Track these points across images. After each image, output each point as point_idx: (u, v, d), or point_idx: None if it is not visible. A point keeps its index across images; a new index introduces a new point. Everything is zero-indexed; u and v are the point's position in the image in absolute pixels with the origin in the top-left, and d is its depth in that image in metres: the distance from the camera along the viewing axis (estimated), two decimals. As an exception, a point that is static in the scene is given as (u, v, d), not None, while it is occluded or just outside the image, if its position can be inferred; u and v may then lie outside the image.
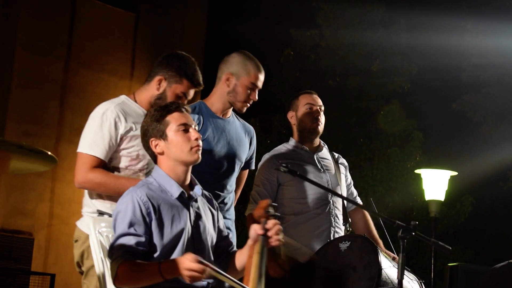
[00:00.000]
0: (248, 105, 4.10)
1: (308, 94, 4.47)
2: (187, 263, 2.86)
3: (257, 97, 4.08)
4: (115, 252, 3.03)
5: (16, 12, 11.29)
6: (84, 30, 11.90)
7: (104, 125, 3.48)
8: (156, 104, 3.54)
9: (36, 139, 10.87)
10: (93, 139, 3.48)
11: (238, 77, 4.02)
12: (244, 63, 4.03)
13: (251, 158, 4.25)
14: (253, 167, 4.31)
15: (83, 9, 11.94)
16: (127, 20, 12.47)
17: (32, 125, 11.21)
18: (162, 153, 3.22)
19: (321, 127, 4.44)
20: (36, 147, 2.57)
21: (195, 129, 3.25)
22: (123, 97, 3.63)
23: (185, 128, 3.22)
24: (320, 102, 4.46)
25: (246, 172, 4.31)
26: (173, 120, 3.22)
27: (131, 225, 3.06)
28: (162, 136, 3.21)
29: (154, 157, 3.27)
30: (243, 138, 4.13)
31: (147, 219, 3.09)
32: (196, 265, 2.84)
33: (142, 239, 3.05)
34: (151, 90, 3.65)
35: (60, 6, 11.71)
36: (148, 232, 3.09)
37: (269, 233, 3.16)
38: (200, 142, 3.23)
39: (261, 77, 4.09)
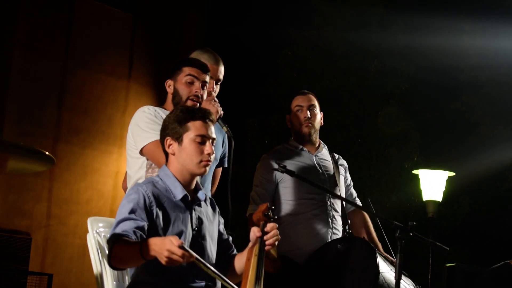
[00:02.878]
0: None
1: (299, 95, 4.46)
2: (170, 245, 2.81)
3: (215, 88, 4.09)
4: (113, 235, 3.02)
5: (14, 12, 11.28)
6: (82, 30, 11.89)
7: (150, 116, 3.74)
8: (176, 104, 3.76)
9: (34, 140, 10.86)
10: (149, 128, 3.67)
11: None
12: (197, 58, 4.10)
13: (224, 156, 4.29)
14: (226, 165, 4.33)
15: (81, 9, 11.93)
16: (125, 20, 12.46)
17: (30, 126, 11.20)
18: (173, 154, 3.23)
19: (310, 128, 4.41)
20: (33, 147, 2.58)
21: (211, 143, 3.24)
22: (156, 107, 3.89)
23: (202, 140, 3.21)
24: (310, 101, 4.43)
25: (220, 170, 4.35)
26: (193, 128, 3.21)
27: (132, 211, 3.07)
28: (178, 139, 3.22)
29: (165, 155, 3.28)
30: (217, 137, 4.17)
31: (149, 211, 3.10)
32: (179, 251, 2.80)
33: (141, 223, 3.05)
34: (168, 96, 3.90)
35: (58, 6, 11.69)
36: (148, 223, 3.08)
37: (267, 236, 3.18)
38: (212, 158, 3.24)
39: (218, 68, 4.14)
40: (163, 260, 2.83)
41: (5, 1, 11.26)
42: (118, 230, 3.03)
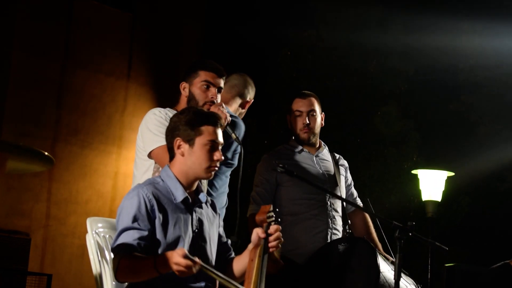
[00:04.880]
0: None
1: (299, 98, 4.45)
2: (176, 257, 2.85)
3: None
4: (117, 246, 3.03)
5: (13, 13, 11.27)
6: (81, 31, 11.88)
7: (160, 119, 3.74)
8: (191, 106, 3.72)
9: (33, 140, 10.85)
10: (159, 131, 3.68)
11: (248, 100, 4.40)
12: (252, 87, 4.43)
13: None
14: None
15: (80, 9, 11.92)
16: (124, 20, 12.45)
17: (29, 126, 11.19)
18: (182, 156, 3.21)
19: (309, 134, 4.40)
20: (32, 147, 2.57)
21: (220, 149, 3.23)
22: (167, 108, 3.89)
23: (213, 145, 3.20)
24: (310, 106, 4.41)
25: None
26: (206, 133, 3.20)
27: (135, 219, 3.07)
28: (190, 142, 3.20)
29: (170, 153, 3.26)
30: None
31: (151, 216, 3.10)
32: (183, 261, 2.83)
33: (145, 233, 3.05)
34: (182, 98, 3.89)
35: (56, 7, 11.68)
36: (151, 229, 3.09)
37: (270, 238, 3.18)
38: (218, 164, 3.23)
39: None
40: (177, 273, 2.87)
41: (4, 1, 11.25)
42: (122, 241, 3.03)
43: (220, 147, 3.23)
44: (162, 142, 3.64)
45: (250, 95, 4.45)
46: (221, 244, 3.38)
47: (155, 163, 3.73)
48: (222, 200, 4.13)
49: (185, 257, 2.82)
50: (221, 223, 3.45)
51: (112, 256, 3.13)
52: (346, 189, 4.55)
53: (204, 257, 3.22)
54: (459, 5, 13.97)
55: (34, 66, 11.36)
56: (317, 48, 14.35)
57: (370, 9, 14.09)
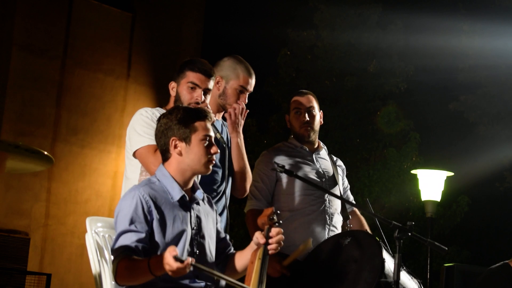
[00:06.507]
0: None
1: (298, 96, 4.44)
2: (167, 258, 2.82)
3: (246, 101, 4.09)
4: (116, 250, 3.03)
5: (12, 12, 11.27)
6: (81, 30, 11.88)
7: (146, 119, 3.72)
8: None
9: (32, 139, 10.86)
10: (144, 132, 3.67)
11: (228, 80, 4.06)
12: (233, 67, 4.10)
13: None
14: None
15: (80, 9, 11.92)
16: (123, 20, 12.45)
17: (28, 125, 11.19)
18: (180, 154, 3.21)
19: (309, 131, 4.39)
20: (32, 147, 2.57)
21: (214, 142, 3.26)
22: (157, 108, 3.87)
23: (209, 140, 3.21)
24: (309, 102, 4.40)
25: None
26: (201, 129, 3.21)
27: (132, 222, 3.06)
28: (186, 139, 3.20)
29: (165, 154, 3.25)
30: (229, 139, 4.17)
31: (148, 217, 3.09)
32: (174, 264, 2.80)
33: (143, 235, 3.05)
34: (171, 98, 3.88)
35: (56, 6, 11.69)
36: (149, 230, 3.08)
37: (271, 241, 3.17)
38: (214, 157, 3.24)
39: (251, 81, 4.12)
40: (170, 274, 2.84)
41: (4, 1, 11.25)
42: (120, 244, 3.02)
43: (213, 140, 3.25)
44: (146, 142, 3.64)
45: (235, 75, 4.15)
46: (220, 240, 3.38)
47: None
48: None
49: (175, 259, 2.79)
50: (219, 218, 3.44)
51: (112, 258, 3.12)
52: (342, 191, 4.55)
53: (204, 254, 3.21)
54: (460, 5, 13.98)
55: (33, 65, 11.36)
56: (317, 48, 14.35)
57: (369, 9, 14.10)
